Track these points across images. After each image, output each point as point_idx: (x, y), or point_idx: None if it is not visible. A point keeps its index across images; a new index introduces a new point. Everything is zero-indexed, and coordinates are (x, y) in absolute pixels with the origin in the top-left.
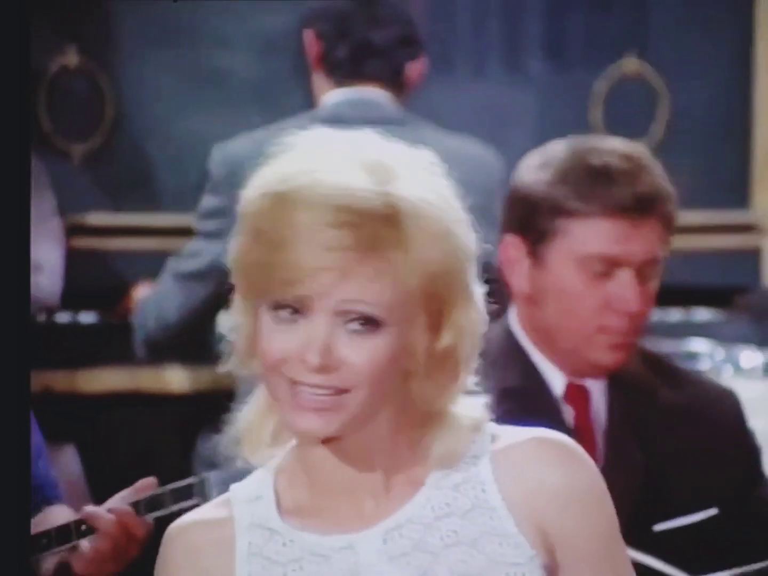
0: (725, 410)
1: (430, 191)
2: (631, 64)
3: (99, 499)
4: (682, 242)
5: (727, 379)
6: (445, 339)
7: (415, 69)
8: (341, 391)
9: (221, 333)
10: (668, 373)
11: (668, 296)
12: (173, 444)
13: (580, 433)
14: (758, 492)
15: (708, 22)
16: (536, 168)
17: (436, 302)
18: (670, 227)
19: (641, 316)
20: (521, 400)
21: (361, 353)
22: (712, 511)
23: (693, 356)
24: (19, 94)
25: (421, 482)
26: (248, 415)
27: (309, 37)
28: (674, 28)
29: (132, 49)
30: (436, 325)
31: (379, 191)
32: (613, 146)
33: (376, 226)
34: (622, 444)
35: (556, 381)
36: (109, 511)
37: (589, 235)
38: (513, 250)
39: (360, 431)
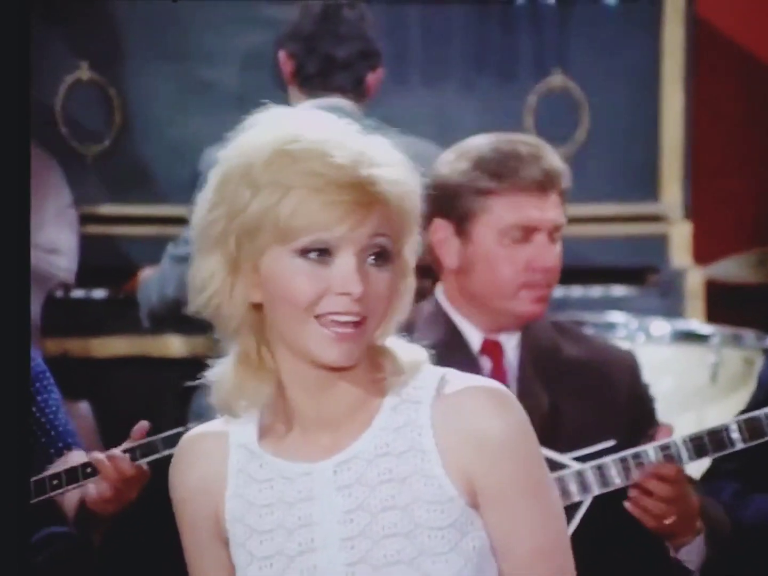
0: (621, 365)
1: (397, 163)
2: (557, 80)
3: (109, 446)
4: (602, 230)
5: (640, 345)
6: (408, 279)
7: (374, 79)
8: (361, 322)
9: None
10: (572, 335)
11: (590, 275)
12: (171, 400)
13: (496, 379)
14: (651, 433)
15: (621, 41)
16: (453, 161)
17: (400, 247)
18: (564, 198)
19: (555, 271)
20: (445, 353)
21: (380, 283)
22: (611, 443)
23: (611, 326)
24: (20, 101)
25: (369, 423)
26: (229, 380)
27: (282, 56)
28: (593, 48)
29: (136, 65)
30: (400, 268)
31: (366, 156)
32: (516, 137)
33: (370, 182)
34: (530, 388)
35: (474, 337)
36: (107, 457)
37: (506, 209)
38: (441, 231)
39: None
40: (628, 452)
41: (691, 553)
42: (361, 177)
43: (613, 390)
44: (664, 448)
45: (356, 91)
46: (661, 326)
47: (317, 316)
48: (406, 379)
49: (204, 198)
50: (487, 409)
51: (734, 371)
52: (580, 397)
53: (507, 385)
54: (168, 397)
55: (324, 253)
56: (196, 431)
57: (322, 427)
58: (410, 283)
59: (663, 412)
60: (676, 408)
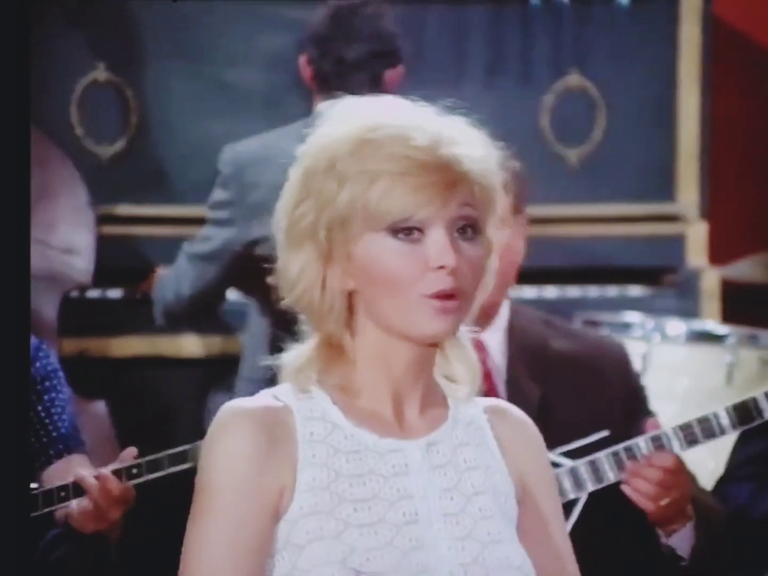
0: (612, 357)
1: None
2: (574, 80)
3: (125, 446)
4: (618, 230)
5: (655, 345)
6: (492, 258)
7: (393, 76)
8: (458, 295)
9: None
10: (561, 330)
11: (606, 275)
12: (188, 399)
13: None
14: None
15: (638, 42)
16: None
17: (485, 222)
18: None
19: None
20: None
21: (470, 257)
22: (604, 433)
23: (627, 326)
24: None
25: (445, 414)
26: (312, 365)
27: (302, 61)
28: (609, 48)
29: (153, 65)
30: (486, 246)
31: (449, 138)
32: None
33: (455, 161)
34: (519, 385)
35: None
36: (95, 476)
37: None
38: None
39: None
40: (620, 446)
41: (683, 540)
42: (444, 156)
43: (605, 382)
44: (656, 439)
45: (374, 90)
46: (676, 326)
47: (419, 297)
48: (460, 384)
49: (288, 194)
50: (527, 423)
51: (750, 371)
52: (571, 391)
53: (494, 383)
54: (184, 396)
55: (415, 231)
56: (245, 403)
57: (400, 410)
58: (494, 264)
59: (678, 412)
60: (691, 408)
